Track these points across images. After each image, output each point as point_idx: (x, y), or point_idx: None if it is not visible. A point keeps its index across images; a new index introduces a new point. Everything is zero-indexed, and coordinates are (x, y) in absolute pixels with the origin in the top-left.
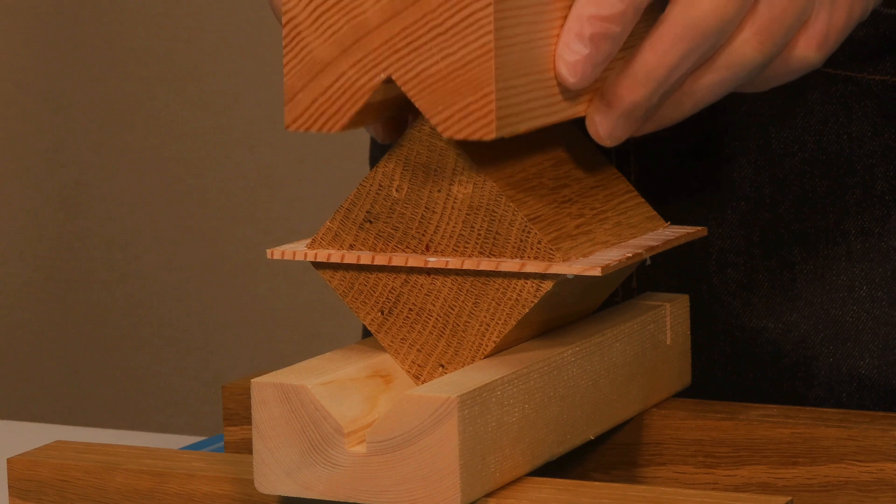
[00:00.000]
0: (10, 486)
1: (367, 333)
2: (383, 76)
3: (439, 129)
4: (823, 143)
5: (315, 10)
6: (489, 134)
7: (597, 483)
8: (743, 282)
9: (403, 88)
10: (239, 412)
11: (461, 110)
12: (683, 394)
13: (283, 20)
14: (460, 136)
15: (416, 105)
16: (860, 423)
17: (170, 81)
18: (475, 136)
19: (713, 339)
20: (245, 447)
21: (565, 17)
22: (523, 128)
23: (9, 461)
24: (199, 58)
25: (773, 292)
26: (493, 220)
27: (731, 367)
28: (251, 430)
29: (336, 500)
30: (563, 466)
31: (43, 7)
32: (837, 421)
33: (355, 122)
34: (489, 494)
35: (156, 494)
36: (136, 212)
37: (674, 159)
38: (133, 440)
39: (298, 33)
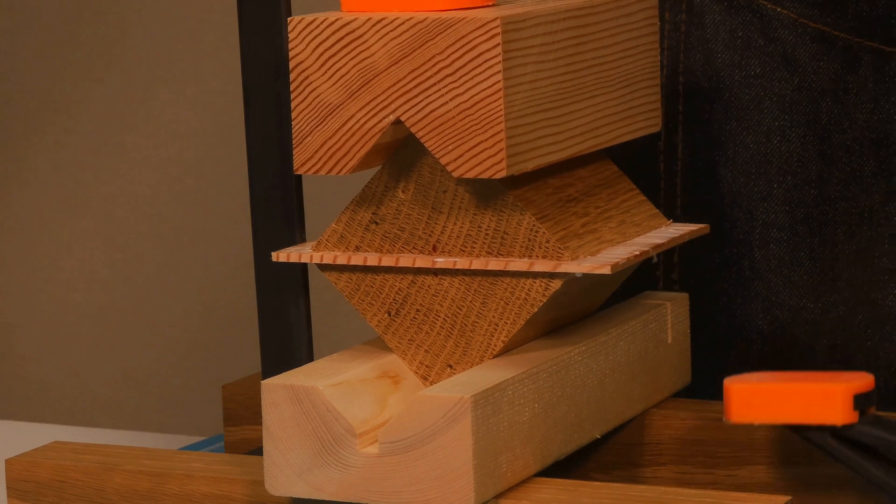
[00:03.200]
0: (8, 487)
1: None
2: (392, 118)
3: (449, 168)
4: (873, 121)
5: (322, 54)
6: (500, 172)
7: (597, 483)
8: (785, 258)
9: (413, 129)
10: (239, 412)
11: (471, 150)
12: (683, 392)
13: (291, 65)
14: (470, 175)
15: (426, 145)
16: None
17: (170, 81)
18: (485, 175)
19: (751, 317)
20: (245, 447)
21: (571, 55)
22: (531, 165)
23: (7, 462)
24: (198, 58)
25: (815, 271)
26: (501, 220)
27: (768, 347)
28: (251, 430)
29: (348, 501)
30: (563, 466)
31: (43, 7)
32: None
33: (364, 163)
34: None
35: (155, 495)
36: (136, 212)
37: (723, 130)
38: (132, 440)
39: (306, 77)
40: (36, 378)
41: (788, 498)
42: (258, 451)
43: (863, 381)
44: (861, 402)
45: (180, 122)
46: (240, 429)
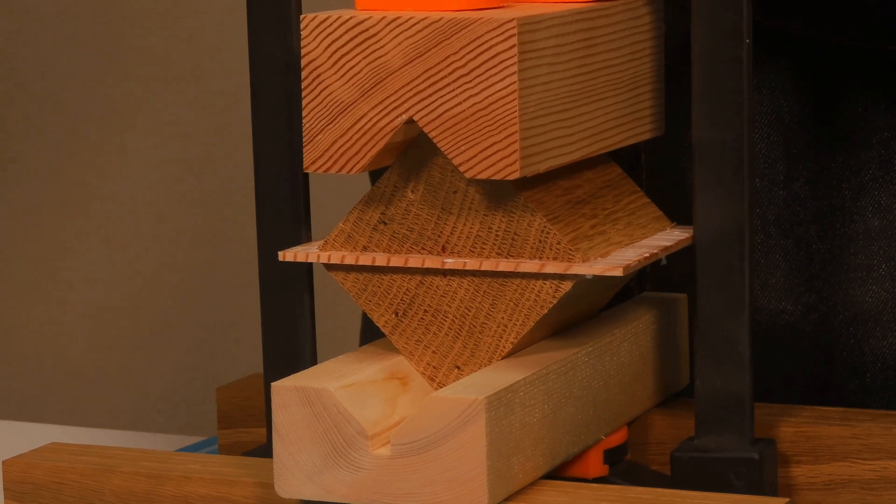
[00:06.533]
0: (5, 489)
1: (364, 336)
2: (405, 117)
3: (462, 168)
4: (837, 116)
5: (335, 52)
6: (513, 174)
7: (595, 485)
8: (760, 262)
9: (425, 129)
10: (233, 415)
11: (484, 151)
12: (687, 392)
13: (303, 63)
14: (484, 176)
15: (439, 146)
16: (863, 420)
17: (170, 81)
18: (499, 176)
19: None
20: (238, 450)
21: (582, 57)
22: (544, 167)
23: (3, 463)
24: (199, 58)
25: (791, 273)
26: (512, 221)
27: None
28: (245, 433)
29: (359, 503)
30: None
31: (43, 7)
32: (840, 419)
33: (375, 162)
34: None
35: (152, 497)
36: (136, 212)
37: (685, 137)
38: (130, 440)
39: (318, 75)
40: (36, 378)
41: (788, 499)
42: (253, 453)
43: (614, 436)
44: (611, 456)
45: (180, 122)
46: (233, 431)
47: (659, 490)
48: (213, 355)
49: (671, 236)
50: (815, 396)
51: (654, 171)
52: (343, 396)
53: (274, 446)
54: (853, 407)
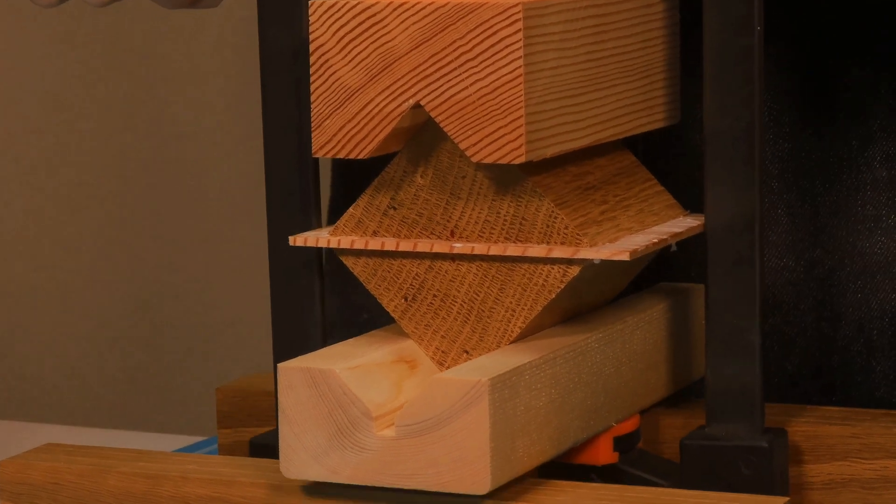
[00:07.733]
0: (1, 490)
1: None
2: (412, 102)
3: (468, 153)
4: (844, 65)
5: (343, 37)
6: (519, 158)
7: (594, 484)
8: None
9: (432, 114)
10: (233, 414)
11: (491, 135)
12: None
13: (311, 48)
14: (490, 161)
15: (445, 130)
16: (863, 420)
17: (170, 81)
18: (505, 161)
19: None
20: (238, 450)
21: (592, 43)
22: (550, 152)
23: (0, 464)
24: (199, 58)
25: (794, 227)
26: (520, 206)
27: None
28: (246, 432)
29: (364, 484)
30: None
31: (43, 7)
32: (841, 419)
33: (383, 147)
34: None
35: (150, 497)
36: (136, 212)
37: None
38: (130, 441)
39: (326, 60)
40: (36, 378)
41: (787, 498)
42: (261, 437)
43: (625, 424)
44: (621, 443)
45: (180, 122)
46: (233, 431)
47: (658, 490)
48: (213, 355)
49: (682, 224)
50: (816, 358)
51: (678, 158)
52: (348, 378)
53: (280, 427)
54: (856, 368)
